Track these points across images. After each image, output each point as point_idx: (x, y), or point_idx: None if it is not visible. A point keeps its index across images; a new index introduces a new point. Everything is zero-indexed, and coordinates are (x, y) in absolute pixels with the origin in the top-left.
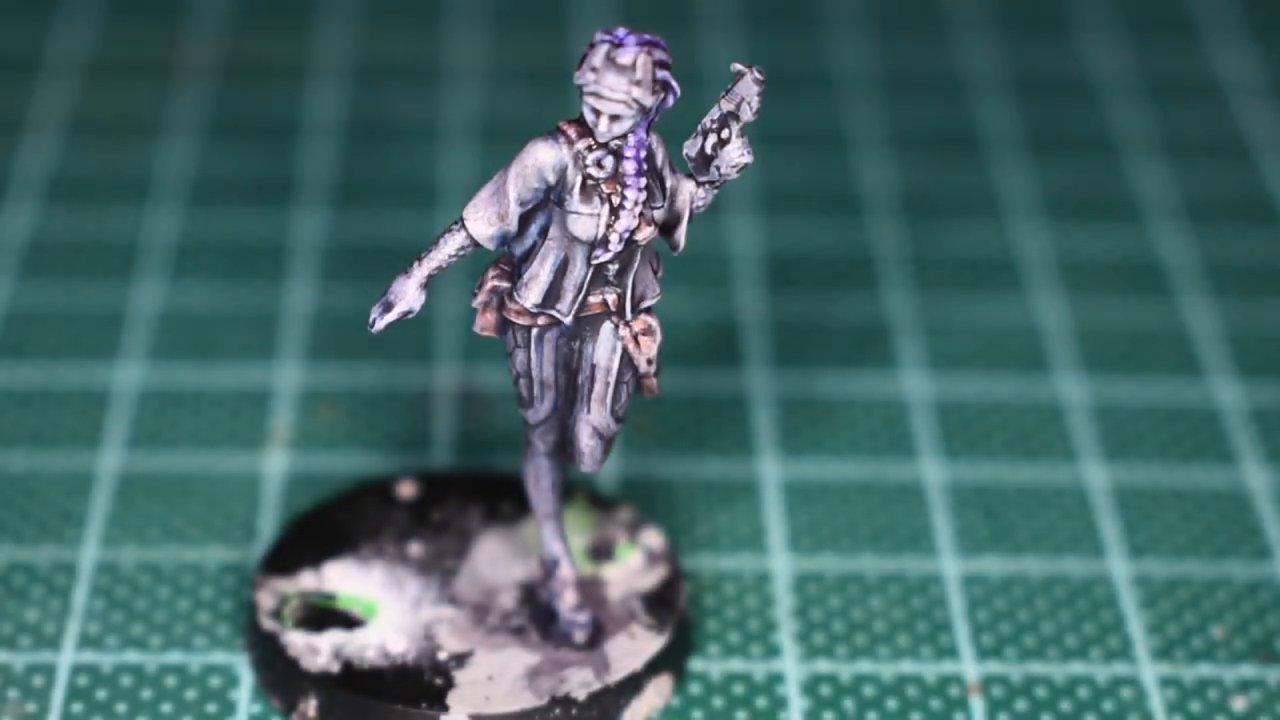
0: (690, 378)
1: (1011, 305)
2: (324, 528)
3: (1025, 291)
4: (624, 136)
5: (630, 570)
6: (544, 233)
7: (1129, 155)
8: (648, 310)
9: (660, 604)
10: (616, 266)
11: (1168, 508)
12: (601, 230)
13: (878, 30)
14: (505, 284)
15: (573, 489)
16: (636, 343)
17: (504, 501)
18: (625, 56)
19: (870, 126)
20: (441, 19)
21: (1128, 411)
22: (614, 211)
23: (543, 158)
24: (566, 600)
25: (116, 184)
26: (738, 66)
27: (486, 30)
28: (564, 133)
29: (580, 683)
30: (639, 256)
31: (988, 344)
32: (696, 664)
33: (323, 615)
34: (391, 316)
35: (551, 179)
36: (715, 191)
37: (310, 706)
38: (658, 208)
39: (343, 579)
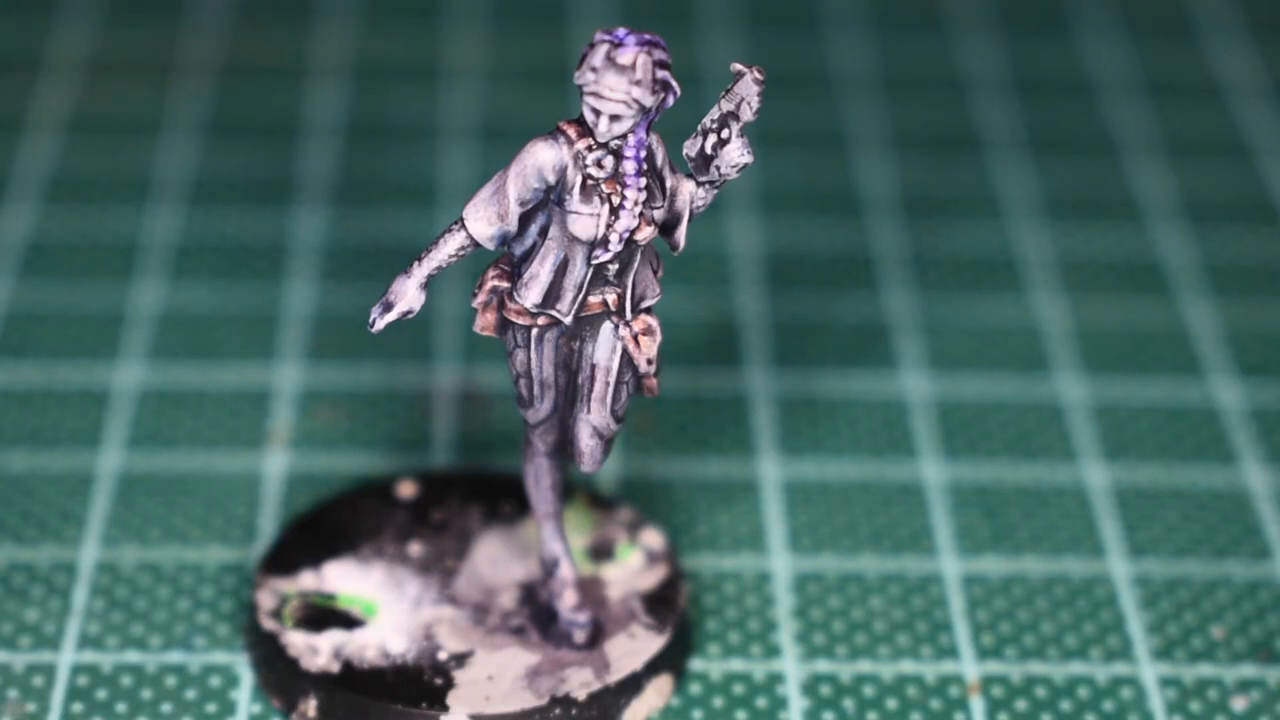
0: (690, 378)
1: (1011, 305)
2: (324, 528)
3: (1025, 291)
4: (624, 136)
5: (630, 570)
6: (544, 233)
7: (1129, 155)
8: (648, 310)
9: (660, 604)
10: (616, 266)
11: (1168, 508)
12: (601, 230)
13: (878, 30)
14: (505, 284)
15: (573, 489)
16: (636, 343)
17: (504, 501)
18: (625, 56)
19: (870, 126)
20: (441, 19)
21: (1128, 411)
22: (614, 211)
23: (542, 158)
24: (566, 600)
25: (116, 184)
26: (738, 66)
27: (486, 30)
28: (564, 133)
29: (580, 683)
30: (639, 256)
31: (988, 344)
32: (696, 664)
33: (323, 615)
34: (391, 316)
35: (551, 179)
36: (715, 191)
37: (310, 706)
38: (658, 208)
39: (343, 579)
